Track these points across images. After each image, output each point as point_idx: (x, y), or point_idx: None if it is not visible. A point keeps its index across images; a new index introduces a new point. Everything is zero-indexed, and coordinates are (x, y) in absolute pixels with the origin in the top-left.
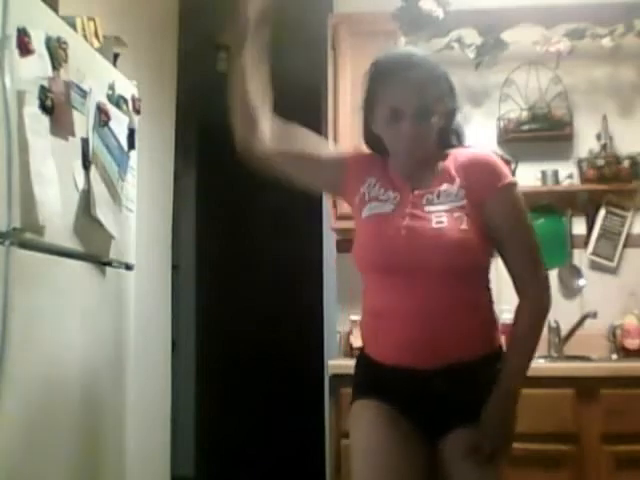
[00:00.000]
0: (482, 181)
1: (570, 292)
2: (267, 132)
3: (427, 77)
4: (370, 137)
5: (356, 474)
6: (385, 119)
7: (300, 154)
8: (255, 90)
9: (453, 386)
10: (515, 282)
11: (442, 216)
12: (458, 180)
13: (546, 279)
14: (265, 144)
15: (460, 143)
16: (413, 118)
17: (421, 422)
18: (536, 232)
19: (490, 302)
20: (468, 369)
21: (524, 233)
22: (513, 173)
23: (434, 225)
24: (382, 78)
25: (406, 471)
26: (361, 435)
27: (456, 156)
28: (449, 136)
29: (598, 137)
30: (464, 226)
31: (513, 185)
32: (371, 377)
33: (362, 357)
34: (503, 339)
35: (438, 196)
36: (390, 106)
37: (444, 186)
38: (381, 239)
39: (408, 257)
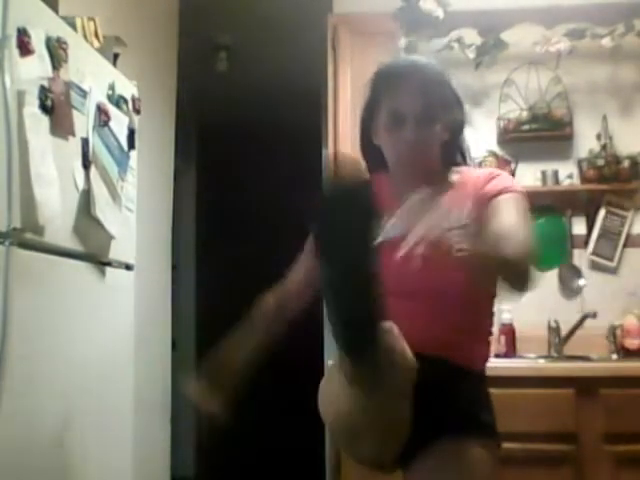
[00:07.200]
0: (491, 190)
1: (570, 292)
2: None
3: (431, 80)
4: (368, 149)
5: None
6: (386, 125)
7: (298, 280)
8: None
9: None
10: None
11: None
12: (468, 202)
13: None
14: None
15: (464, 162)
16: (415, 123)
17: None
18: (536, 232)
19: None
20: None
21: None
22: (513, 173)
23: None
24: (384, 83)
25: None
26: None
27: (466, 174)
28: (454, 153)
29: (598, 137)
30: None
31: (520, 193)
32: None
33: None
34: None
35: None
36: (391, 110)
37: (454, 208)
38: (391, 265)
39: (424, 285)
